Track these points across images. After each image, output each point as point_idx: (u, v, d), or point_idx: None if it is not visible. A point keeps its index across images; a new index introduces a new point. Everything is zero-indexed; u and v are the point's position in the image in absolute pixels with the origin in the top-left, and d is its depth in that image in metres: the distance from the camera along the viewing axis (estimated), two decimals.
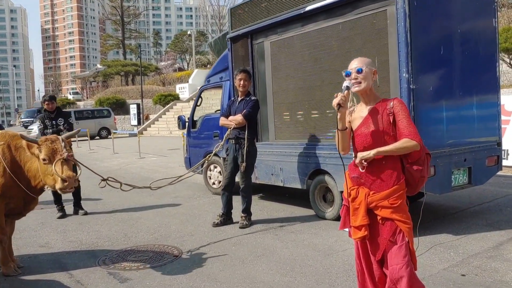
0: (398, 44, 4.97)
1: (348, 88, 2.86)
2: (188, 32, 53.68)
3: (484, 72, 5.79)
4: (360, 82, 2.86)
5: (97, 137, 28.38)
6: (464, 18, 5.53)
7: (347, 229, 3.13)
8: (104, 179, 5.04)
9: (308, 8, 5.93)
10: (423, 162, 2.89)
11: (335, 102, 2.81)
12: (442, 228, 5.46)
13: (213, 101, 12.44)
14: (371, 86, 2.91)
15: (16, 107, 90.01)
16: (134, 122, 32.34)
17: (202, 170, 8.54)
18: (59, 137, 4.37)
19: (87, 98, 48.10)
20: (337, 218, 5.92)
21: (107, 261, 4.89)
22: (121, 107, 37.01)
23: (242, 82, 6.08)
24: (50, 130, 6.99)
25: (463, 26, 5.50)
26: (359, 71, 2.86)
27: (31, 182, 4.41)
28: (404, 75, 4.94)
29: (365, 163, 2.84)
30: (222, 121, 6.25)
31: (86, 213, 7.28)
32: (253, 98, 6.17)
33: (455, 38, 5.43)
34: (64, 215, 7.19)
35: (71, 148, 4.41)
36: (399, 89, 5.00)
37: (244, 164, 5.93)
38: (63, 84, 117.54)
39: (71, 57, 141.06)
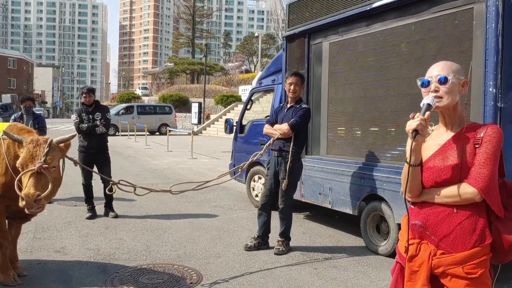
0: (485, 51, 3.98)
1: (430, 107, 2.00)
2: (256, 34, 53.48)
3: None
4: (441, 97, 2.01)
5: (157, 133, 28.58)
6: None
7: None
8: (114, 183, 4.37)
9: (376, 4, 5.03)
10: None
11: (410, 126, 1.98)
12: None
13: (268, 105, 11.73)
14: (456, 103, 2.04)
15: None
16: (195, 120, 32.30)
17: (245, 179, 7.82)
18: (49, 140, 3.60)
19: (153, 94, 49.11)
20: (391, 255, 4.98)
21: (115, 281, 4.25)
22: (183, 105, 37.25)
23: (292, 87, 5.27)
24: (86, 125, 6.56)
25: None
26: (442, 80, 2.00)
27: None
28: (490, 89, 3.94)
29: None
30: (267, 129, 5.47)
31: (116, 216, 6.76)
32: (304, 106, 5.34)
33: None
34: (93, 216, 6.72)
35: (63, 156, 3.72)
36: (482, 108, 4.01)
37: (286, 181, 5.11)
38: (135, 79, 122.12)
39: (144, 53, 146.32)
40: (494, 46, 3.91)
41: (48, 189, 3.39)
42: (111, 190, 4.58)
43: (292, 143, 5.12)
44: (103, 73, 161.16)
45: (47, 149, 3.49)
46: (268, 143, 5.34)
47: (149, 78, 70.93)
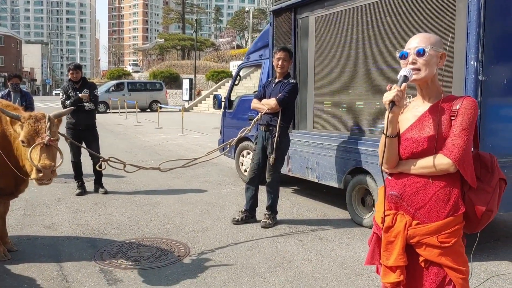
0: (467, 24, 4.00)
1: (406, 79, 2.02)
2: (247, 9, 52.79)
3: None
4: (419, 69, 2.03)
5: (148, 110, 28.46)
6: None
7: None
8: (104, 160, 4.40)
9: None
10: (493, 190, 2.04)
11: (387, 98, 1.99)
12: (502, 253, 4.48)
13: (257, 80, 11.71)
14: (434, 75, 2.07)
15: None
16: (186, 97, 32.10)
17: (234, 155, 7.87)
18: (47, 115, 3.72)
19: (144, 70, 48.64)
20: None
21: (104, 255, 4.32)
22: (174, 81, 36.95)
23: (280, 62, 5.27)
24: (69, 101, 6.51)
25: None
26: (420, 52, 2.01)
27: (19, 161, 3.87)
28: (472, 63, 3.97)
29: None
30: (254, 103, 5.49)
31: (106, 192, 6.81)
32: (291, 81, 5.35)
33: None
34: (82, 192, 6.76)
35: (57, 131, 3.81)
36: (464, 81, 4.05)
37: (273, 155, 5.17)
38: (125, 55, 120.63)
39: (134, 29, 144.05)
40: (476, 19, 3.92)
41: (61, 159, 3.67)
42: (101, 166, 4.63)
43: (279, 118, 5.15)
44: (93, 50, 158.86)
45: (49, 123, 3.61)
46: (256, 118, 5.36)
47: (139, 55, 70.16)
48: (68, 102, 6.49)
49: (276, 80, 5.39)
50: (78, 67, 6.75)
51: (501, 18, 4.08)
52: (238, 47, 54.87)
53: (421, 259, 2.08)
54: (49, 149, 3.54)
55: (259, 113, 5.33)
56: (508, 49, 4.19)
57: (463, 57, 4.04)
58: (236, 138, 5.37)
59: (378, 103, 5.08)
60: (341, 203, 6.00)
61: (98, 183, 6.92)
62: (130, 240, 4.76)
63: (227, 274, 3.91)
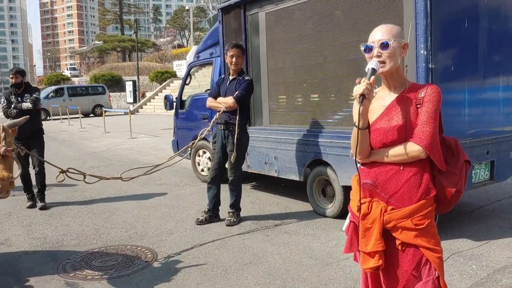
0: (415, 15, 4.16)
1: (374, 71, 2.06)
2: (187, 8, 52.24)
3: None
4: (384, 62, 2.07)
5: (92, 115, 27.59)
6: None
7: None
8: (63, 171, 4.23)
9: None
10: (460, 172, 2.14)
11: (357, 92, 2.02)
12: (459, 231, 4.72)
13: (207, 79, 11.63)
14: (398, 66, 2.13)
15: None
16: (130, 99, 31.39)
17: (190, 155, 7.78)
18: (2, 125, 3.55)
19: (83, 74, 47.04)
20: (338, 216, 5.21)
21: (67, 267, 4.16)
22: (117, 84, 35.99)
23: (234, 59, 5.25)
24: (13, 110, 6.17)
25: None
26: (385, 45, 2.06)
27: None
28: (421, 52, 4.14)
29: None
30: (210, 102, 5.44)
31: (45, 208, 6.32)
32: (247, 78, 5.34)
33: (482, 10, 4.61)
34: (34, 205, 6.44)
35: (12, 140, 3.63)
36: (415, 69, 4.21)
37: (234, 153, 5.15)
38: (62, 59, 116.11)
39: (69, 32, 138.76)
40: (423, 9, 4.09)
41: (19, 170, 3.53)
42: (59, 178, 4.40)
43: (238, 116, 5.14)
44: (26, 55, 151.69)
45: (3, 133, 3.46)
46: (214, 117, 5.32)
47: (77, 58, 67.74)
48: (12, 111, 6.13)
49: (231, 77, 5.38)
50: (18, 72, 6.39)
51: (447, 7, 4.28)
52: (180, 46, 54.26)
53: (397, 242, 2.14)
54: (6, 160, 3.39)
55: (217, 112, 5.30)
56: (453, 37, 4.40)
57: (413, 46, 4.20)
58: (198, 140, 5.34)
59: (333, 95, 5.19)
60: (301, 196, 6.08)
61: (41, 196, 6.45)
62: (93, 250, 4.61)
63: (199, 275, 3.87)
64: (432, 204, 2.15)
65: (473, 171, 4.66)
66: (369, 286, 2.28)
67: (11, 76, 6.32)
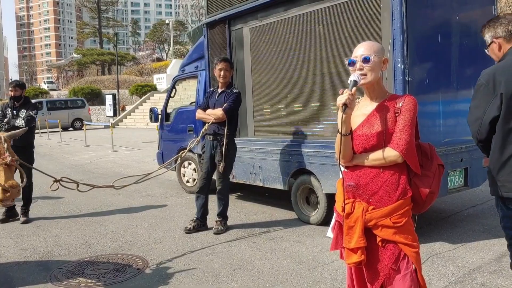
0: (392, 31, 4.43)
1: (356, 83, 2.29)
2: (167, 21, 52.48)
3: (483, 64, 5.26)
4: (366, 74, 2.31)
5: (71, 129, 27.40)
6: (462, 5, 5.04)
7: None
8: (56, 180, 4.32)
9: None
10: (434, 175, 2.36)
11: (340, 101, 2.24)
12: (436, 235, 4.97)
13: (191, 93, 11.79)
14: (379, 78, 2.36)
15: None
16: (110, 113, 31.07)
17: (175, 167, 7.91)
18: (2, 136, 3.69)
19: (61, 88, 46.61)
20: (322, 223, 5.40)
21: (60, 276, 4.25)
22: (96, 97, 35.82)
23: (222, 73, 5.46)
24: (5, 126, 6.20)
25: (462, 14, 5.00)
26: (366, 59, 2.29)
27: None
28: (399, 65, 4.41)
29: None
30: (199, 114, 5.61)
31: (27, 221, 6.31)
32: (235, 90, 5.56)
33: (453, 27, 4.94)
34: (5, 220, 6.39)
35: (12, 150, 3.75)
36: (393, 81, 4.47)
37: (222, 163, 5.33)
38: (39, 73, 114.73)
39: (46, 45, 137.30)
40: (400, 26, 4.36)
41: (24, 179, 3.71)
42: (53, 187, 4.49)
43: (226, 127, 5.33)
44: (1, 69, 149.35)
45: (5, 144, 3.59)
46: (203, 128, 5.49)
47: (54, 72, 67.01)
48: (4, 126, 6.15)
49: (220, 90, 5.57)
50: (18, 85, 6.43)
51: (421, 24, 4.57)
52: (159, 59, 54.35)
53: (378, 239, 2.35)
54: (11, 169, 3.55)
55: (206, 124, 5.47)
56: (428, 52, 4.70)
57: (391, 60, 4.46)
58: (187, 150, 5.49)
59: (315, 107, 5.42)
60: (285, 205, 6.28)
61: (24, 210, 6.42)
62: (84, 259, 4.70)
63: (190, 280, 4.01)
64: (409, 204, 2.36)
65: (448, 178, 4.92)
66: (353, 280, 2.47)
67: (10, 89, 6.37)
